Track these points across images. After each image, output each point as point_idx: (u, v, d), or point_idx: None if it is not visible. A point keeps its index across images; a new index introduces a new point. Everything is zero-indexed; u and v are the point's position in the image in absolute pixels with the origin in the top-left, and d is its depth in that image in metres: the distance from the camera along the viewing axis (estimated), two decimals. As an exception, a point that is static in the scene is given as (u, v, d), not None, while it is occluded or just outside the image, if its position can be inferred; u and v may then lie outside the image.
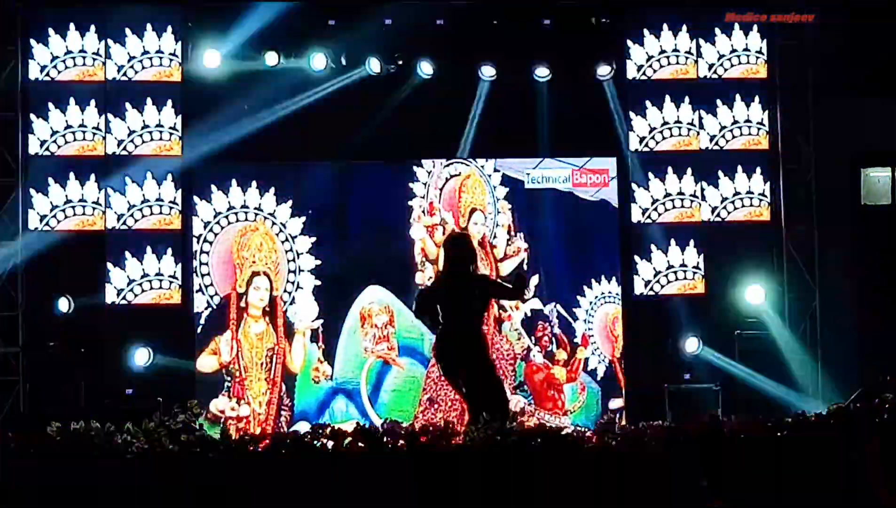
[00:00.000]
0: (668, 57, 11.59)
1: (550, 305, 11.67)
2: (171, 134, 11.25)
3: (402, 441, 7.15)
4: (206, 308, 11.32)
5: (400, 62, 11.54)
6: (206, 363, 11.27)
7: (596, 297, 11.64)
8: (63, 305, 10.98)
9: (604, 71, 11.63)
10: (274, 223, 11.47)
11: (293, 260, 11.49)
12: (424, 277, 11.43)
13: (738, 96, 11.60)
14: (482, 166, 11.74)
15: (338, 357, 11.43)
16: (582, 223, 11.74)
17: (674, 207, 11.53)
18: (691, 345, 11.34)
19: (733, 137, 11.59)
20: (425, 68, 11.54)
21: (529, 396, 11.45)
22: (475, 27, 11.52)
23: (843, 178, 12.33)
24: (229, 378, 11.25)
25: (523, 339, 11.59)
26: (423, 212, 11.63)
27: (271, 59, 11.33)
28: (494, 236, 11.62)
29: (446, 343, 8.57)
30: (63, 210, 11.10)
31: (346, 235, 11.64)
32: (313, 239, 11.50)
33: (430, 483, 7.03)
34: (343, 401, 11.28)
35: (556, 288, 11.69)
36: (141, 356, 11.01)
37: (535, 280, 11.56)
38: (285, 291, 11.46)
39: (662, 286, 11.50)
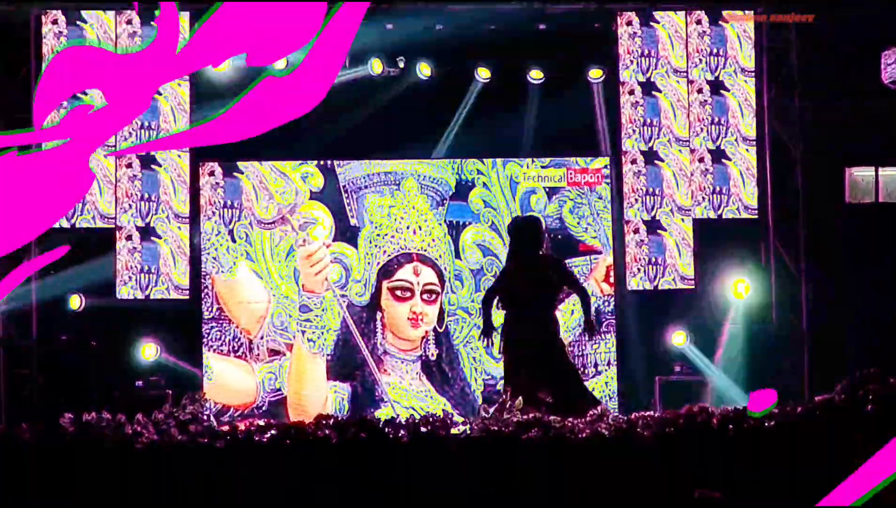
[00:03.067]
0: (658, 62, 11.55)
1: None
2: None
3: (402, 431, 7.16)
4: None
5: (401, 65, 11.49)
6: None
7: None
8: (74, 302, 10.99)
9: (595, 74, 11.65)
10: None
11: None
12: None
13: (727, 101, 11.58)
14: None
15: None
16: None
17: (665, 206, 11.52)
18: (678, 339, 11.34)
19: (723, 139, 11.58)
20: (424, 70, 11.56)
21: None
22: (471, 30, 11.47)
23: (829, 177, 12.35)
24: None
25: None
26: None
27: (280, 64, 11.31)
28: None
29: (522, 330, 8.62)
30: (76, 210, 11.08)
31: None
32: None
33: (431, 471, 7.03)
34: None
35: None
36: (150, 351, 11.03)
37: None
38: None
39: (654, 283, 11.47)
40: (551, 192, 11.54)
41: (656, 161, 11.49)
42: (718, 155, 11.51)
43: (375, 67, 11.48)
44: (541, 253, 9.03)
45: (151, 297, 11.09)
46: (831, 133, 12.03)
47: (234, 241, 11.32)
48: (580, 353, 11.40)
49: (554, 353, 8.78)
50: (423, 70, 11.61)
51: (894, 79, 9.30)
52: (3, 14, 11.08)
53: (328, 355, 11.33)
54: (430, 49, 11.55)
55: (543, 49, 11.58)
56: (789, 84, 11.63)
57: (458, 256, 11.41)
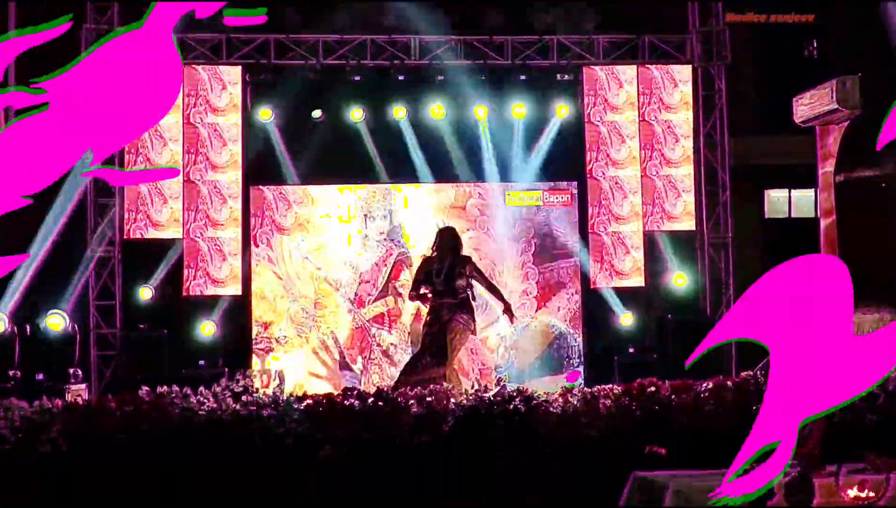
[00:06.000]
0: (615, 103, 11.68)
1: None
2: (231, 170, 11.32)
3: (412, 401, 7.23)
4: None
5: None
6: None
7: None
8: (146, 294, 11.10)
9: (565, 114, 11.72)
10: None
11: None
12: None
13: (669, 135, 11.68)
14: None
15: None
16: None
17: (622, 220, 11.61)
18: (626, 320, 11.46)
19: (666, 166, 11.68)
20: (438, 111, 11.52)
21: None
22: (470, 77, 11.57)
23: (751, 197, 12.44)
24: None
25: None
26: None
27: (316, 113, 11.43)
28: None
29: (441, 307, 8.62)
30: (150, 222, 11.21)
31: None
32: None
33: (433, 434, 7.08)
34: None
35: None
36: (210, 335, 11.10)
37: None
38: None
39: (613, 281, 11.58)
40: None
41: (613, 185, 11.58)
42: (662, 181, 11.61)
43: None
44: (458, 252, 8.81)
45: (191, 293, 11.19)
46: (754, 161, 12.14)
47: (256, 246, 11.32)
48: (566, 345, 11.43)
49: (446, 331, 8.73)
50: (437, 111, 11.50)
51: (804, 119, 9.38)
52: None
53: (340, 346, 11.29)
54: (440, 94, 11.58)
55: (526, 94, 11.63)
56: (720, 120, 11.72)
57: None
